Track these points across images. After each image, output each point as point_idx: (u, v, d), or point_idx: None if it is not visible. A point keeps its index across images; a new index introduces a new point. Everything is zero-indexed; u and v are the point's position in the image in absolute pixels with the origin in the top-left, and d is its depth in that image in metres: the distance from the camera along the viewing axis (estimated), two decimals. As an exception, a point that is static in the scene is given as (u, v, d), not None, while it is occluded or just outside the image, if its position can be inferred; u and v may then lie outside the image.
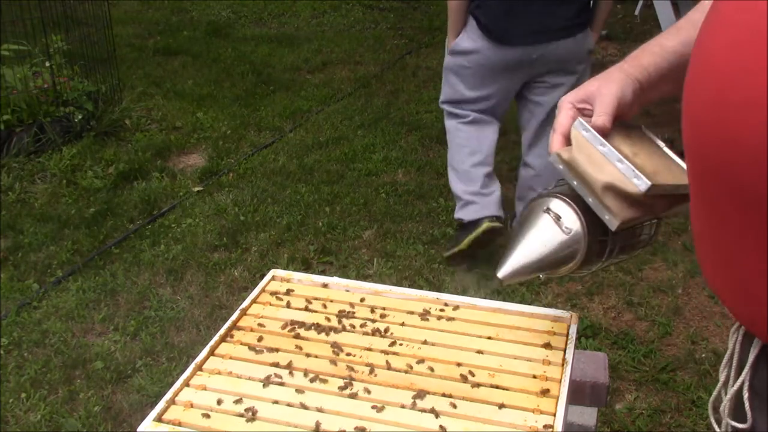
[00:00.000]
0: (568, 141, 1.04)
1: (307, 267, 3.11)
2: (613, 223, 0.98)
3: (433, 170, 3.97)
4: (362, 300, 1.33)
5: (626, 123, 1.10)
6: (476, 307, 1.31)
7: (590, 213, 1.00)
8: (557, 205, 1.01)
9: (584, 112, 1.06)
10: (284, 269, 1.45)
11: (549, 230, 1.01)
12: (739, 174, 0.73)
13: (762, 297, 0.77)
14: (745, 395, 0.88)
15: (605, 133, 1.02)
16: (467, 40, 2.94)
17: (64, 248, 3.22)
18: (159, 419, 1.06)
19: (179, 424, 1.05)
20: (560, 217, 1.00)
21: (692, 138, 0.80)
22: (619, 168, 0.97)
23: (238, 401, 1.09)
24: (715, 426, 0.96)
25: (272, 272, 1.41)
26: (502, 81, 2.98)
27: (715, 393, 0.96)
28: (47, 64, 4.19)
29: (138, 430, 1.04)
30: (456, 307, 1.30)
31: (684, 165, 1.07)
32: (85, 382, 2.49)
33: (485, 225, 2.90)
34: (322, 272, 3.05)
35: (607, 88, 1.04)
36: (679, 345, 2.66)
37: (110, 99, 4.59)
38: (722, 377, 0.94)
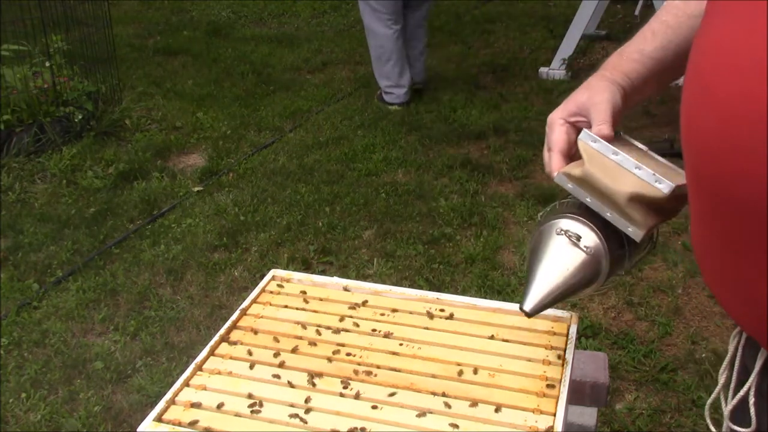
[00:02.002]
0: (567, 159, 1.02)
1: (307, 267, 3.11)
2: (638, 234, 0.95)
3: (433, 170, 3.97)
4: (362, 300, 1.33)
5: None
6: (476, 307, 1.31)
7: (605, 227, 0.97)
8: (571, 225, 0.98)
9: (577, 125, 1.03)
10: (284, 269, 1.45)
11: (568, 252, 0.98)
12: (750, 200, 0.71)
13: (765, 309, 0.76)
14: (752, 400, 0.87)
15: (609, 142, 0.99)
16: None
17: (64, 248, 3.22)
18: (159, 419, 1.06)
19: (179, 424, 1.05)
20: (578, 237, 0.97)
21: (699, 166, 0.78)
22: (638, 174, 0.95)
23: (238, 401, 1.09)
24: (713, 428, 0.95)
25: (272, 272, 1.41)
26: None
27: (713, 395, 0.95)
28: (47, 64, 4.19)
29: (138, 430, 1.04)
30: (451, 315, 1.30)
31: (670, 164, 1.06)
32: (85, 382, 2.49)
33: (395, 108, 4.74)
34: (322, 272, 3.05)
35: (600, 96, 1.02)
36: (679, 345, 2.66)
37: (110, 99, 4.59)
38: (722, 379, 0.93)
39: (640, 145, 1.10)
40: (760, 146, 0.67)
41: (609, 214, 0.96)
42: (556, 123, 1.04)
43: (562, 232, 0.97)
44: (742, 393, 0.88)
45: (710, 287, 0.86)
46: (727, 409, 0.92)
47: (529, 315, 1.00)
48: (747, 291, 0.77)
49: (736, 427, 0.90)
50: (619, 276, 1.05)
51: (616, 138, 1.06)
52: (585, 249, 0.97)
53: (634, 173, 0.95)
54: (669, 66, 1.04)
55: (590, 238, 0.97)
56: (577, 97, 1.04)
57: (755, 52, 0.67)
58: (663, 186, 0.94)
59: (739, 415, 0.90)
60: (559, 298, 1.00)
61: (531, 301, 0.99)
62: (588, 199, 0.97)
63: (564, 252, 0.97)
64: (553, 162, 1.02)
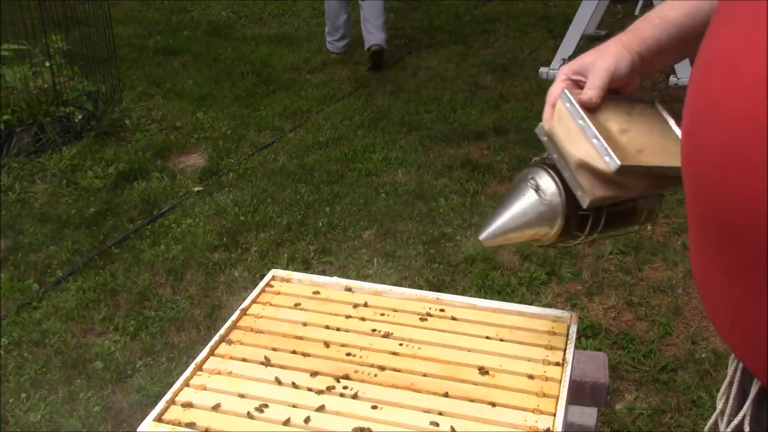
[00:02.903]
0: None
1: (307, 267, 3.11)
2: (584, 200, 0.98)
3: (433, 170, 3.97)
4: (362, 300, 1.33)
5: (634, 97, 1.08)
6: (476, 307, 1.30)
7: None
8: (541, 175, 1.03)
9: (579, 84, 1.04)
10: (284, 269, 1.45)
11: (530, 200, 1.03)
12: (753, 229, 0.68)
13: (758, 339, 0.73)
14: (747, 429, 0.85)
15: (593, 107, 1.00)
16: None
17: (64, 248, 3.22)
18: (159, 419, 1.06)
19: (179, 424, 1.05)
20: (540, 188, 1.02)
21: (698, 187, 0.76)
22: (594, 144, 0.96)
23: (237, 401, 1.09)
24: None
25: (272, 272, 1.41)
26: None
27: (711, 421, 0.93)
28: (47, 64, 4.18)
29: (138, 430, 1.04)
30: (452, 317, 1.30)
31: None
32: (85, 382, 2.49)
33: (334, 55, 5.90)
34: (322, 272, 3.05)
35: (600, 62, 1.01)
36: (679, 345, 2.66)
37: (110, 99, 4.59)
38: (719, 405, 0.91)
39: (669, 119, 1.10)
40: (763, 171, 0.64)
41: (566, 174, 0.99)
42: (560, 77, 1.05)
43: (531, 180, 1.03)
44: (736, 421, 0.86)
45: (711, 319, 0.83)
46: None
47: (482, 243, 1.06)
48: (746, 327, 0.74)
49: None
50: (592, 238, 1.07)
51: (636, 105, 1.07)
52: (543, 199, 1.01)
53: (591, 143, 0.97)
54: (693, 34, 1.01)
55: (551, 191, 1.01)
56: (584, 58, 1.04)
57: (760, 68, 0.65)
58: (609, 161, 0.95)
59: None
60: (511, 236, 1.05)
61: (486, 233, 1.05)
62: (555, 156, 1.01)
63: (526, 198, 1.03)
64: (545, 113, 1.04)
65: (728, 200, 0.70)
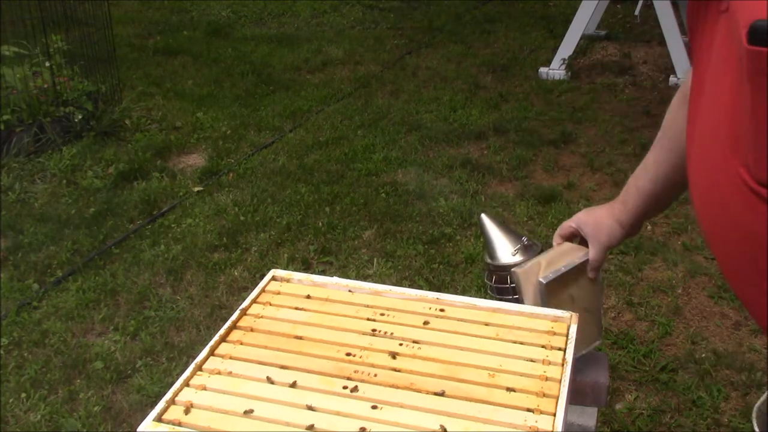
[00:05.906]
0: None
1: (307, 267, 3.11)
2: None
3: (433, 170, 3.97)
4: (362, 300, 1.33)
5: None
6: (476, 307, 1.30)
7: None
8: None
9: (579, 232, 1.37)
10: (284, 269, 1.45)
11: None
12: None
13: None
14: None
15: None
16: None
17: (64, 248, 3.22)
18: (159, 419, 1.06)
19: (179, 424, 1.05)
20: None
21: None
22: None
23: (238, 401, 1.09)
24: (756, 429, 0.98)
25: (272, 272, 1.41)
26: None
27: (763, 398, 0.97)
28: (47, 64, 4.19)
29: (138, 430, 1.04)
30: (451, 316, 1.30)
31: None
32: (85, 382, 2.49)
33: None
34: (322, 272, 3.05)
35: (599, 238, 1.32)
36: (679, 345, 2.66)
37: (110, 99, 4.59)
38: None
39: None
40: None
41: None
42: (566, 230, 1.40)
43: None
44: (764, 397, 0.91)
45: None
46: (756, 409, 0.96)
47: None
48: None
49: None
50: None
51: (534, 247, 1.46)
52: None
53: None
54: (660, 196, 1.27)
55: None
56: (586, 225, 1.35)
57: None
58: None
59: None
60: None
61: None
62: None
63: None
64: (556, 240, 1.42)
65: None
